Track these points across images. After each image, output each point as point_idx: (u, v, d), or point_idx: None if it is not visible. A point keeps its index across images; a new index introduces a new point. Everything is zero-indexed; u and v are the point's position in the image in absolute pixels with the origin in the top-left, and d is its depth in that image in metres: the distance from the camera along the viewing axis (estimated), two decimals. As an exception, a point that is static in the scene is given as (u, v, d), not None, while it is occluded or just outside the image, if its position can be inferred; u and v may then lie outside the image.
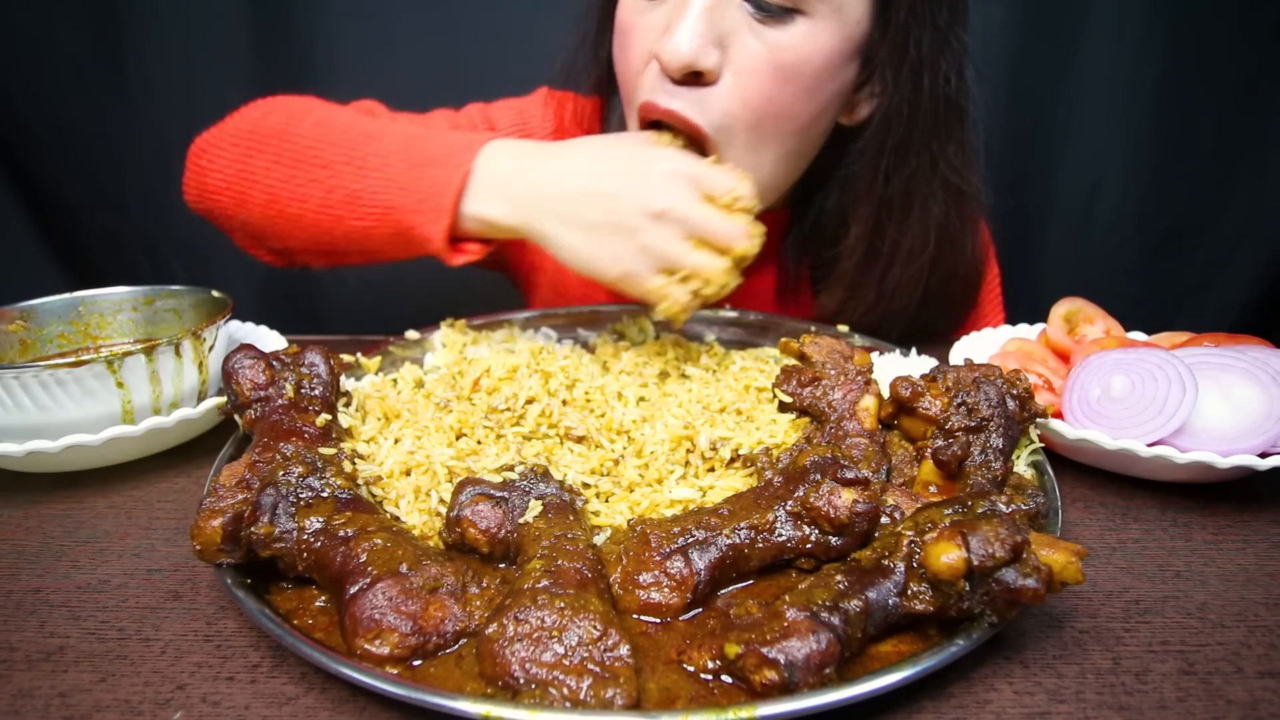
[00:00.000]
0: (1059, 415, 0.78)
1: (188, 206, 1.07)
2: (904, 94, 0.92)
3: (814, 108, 0.90)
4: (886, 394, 0.74)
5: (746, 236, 0.79)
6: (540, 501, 0.60)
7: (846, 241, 1.02)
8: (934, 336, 1.20)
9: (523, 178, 0.83)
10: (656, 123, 0.89)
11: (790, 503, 0.57)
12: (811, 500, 0.56)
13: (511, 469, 0.64)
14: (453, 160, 0.84)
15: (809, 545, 0.56)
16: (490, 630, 0.47)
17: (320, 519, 0.55)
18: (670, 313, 0.81)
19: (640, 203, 0.78)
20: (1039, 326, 0.96)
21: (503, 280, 1.45)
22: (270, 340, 0.98)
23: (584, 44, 1.10)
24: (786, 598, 0.49)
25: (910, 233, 1.00)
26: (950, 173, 0.99)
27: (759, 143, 0.89)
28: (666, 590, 0.53)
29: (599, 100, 1.15)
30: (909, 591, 0.50)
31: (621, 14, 0.93)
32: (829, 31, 0.85)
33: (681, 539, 0.55)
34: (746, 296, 1.19)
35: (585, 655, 0.45)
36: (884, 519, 0.58)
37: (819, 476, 0.58)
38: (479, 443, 0.70)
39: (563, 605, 0.48)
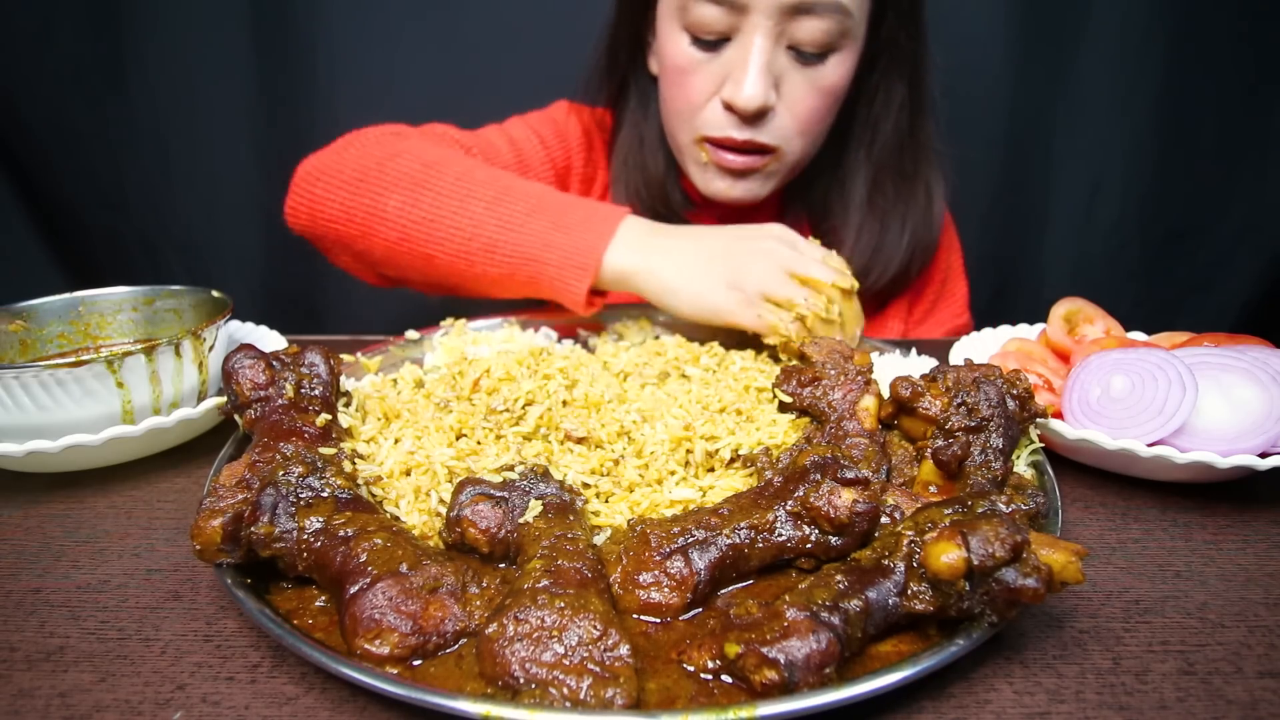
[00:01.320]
0: (1059, 415, 0.78)
1: (289, 227, 1.14)
2: (909, 85, 1.20)
3: (838, 105, 1.17)
4: (886, 394, 0.74)
5: (834, 271, 0.94)
6: (540, 501, 0.60)
7: (854, 206, 1.25)
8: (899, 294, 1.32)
9: (653, 238, 0.98)
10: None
11: (790, 503, 0.57)
12: (811, 500, 0.56)
13: (511, 469, 0.64)
14: (599, 228, 0.98)
15: (809, 545, 0.56)
16: (490, 630, 0.47)
17: (320, 519, 0.55)
18: (776, 333, 0.90)
19: (746, 248, 0.95)
20: (1039, 326, 0.96)
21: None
22: (270, 340, 0.98)
23: (600, 63, 1.27)
24: (786, 598, 0.49)
25: (923, 192, 1.26)
26: (935, 140, 1.26)
27: (806, 142, 1.16)
28: (666, 590, 0.53)
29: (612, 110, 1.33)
30: (909, 591, 0.50)
31: (673, 57, 1.11)
32: (852, 54, 1.10)
33: (681, 539, 0.55)
34: None
35: (585, 655, 0.45)
36: (884, 519, 0.58)
37: (819, 476, 0.57)
38: (479, 443, 0.70)
39: (563, 605, 0.48)
